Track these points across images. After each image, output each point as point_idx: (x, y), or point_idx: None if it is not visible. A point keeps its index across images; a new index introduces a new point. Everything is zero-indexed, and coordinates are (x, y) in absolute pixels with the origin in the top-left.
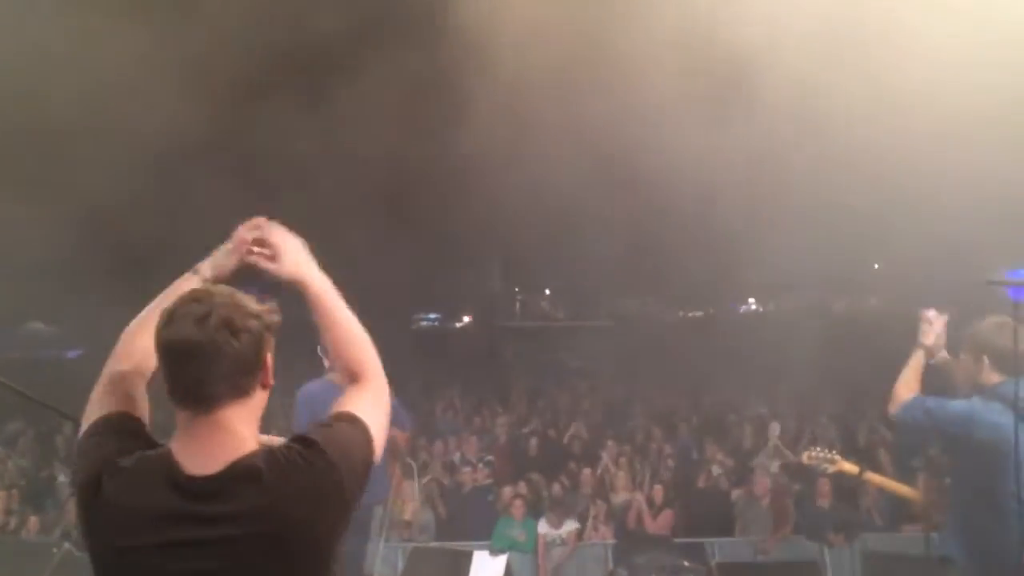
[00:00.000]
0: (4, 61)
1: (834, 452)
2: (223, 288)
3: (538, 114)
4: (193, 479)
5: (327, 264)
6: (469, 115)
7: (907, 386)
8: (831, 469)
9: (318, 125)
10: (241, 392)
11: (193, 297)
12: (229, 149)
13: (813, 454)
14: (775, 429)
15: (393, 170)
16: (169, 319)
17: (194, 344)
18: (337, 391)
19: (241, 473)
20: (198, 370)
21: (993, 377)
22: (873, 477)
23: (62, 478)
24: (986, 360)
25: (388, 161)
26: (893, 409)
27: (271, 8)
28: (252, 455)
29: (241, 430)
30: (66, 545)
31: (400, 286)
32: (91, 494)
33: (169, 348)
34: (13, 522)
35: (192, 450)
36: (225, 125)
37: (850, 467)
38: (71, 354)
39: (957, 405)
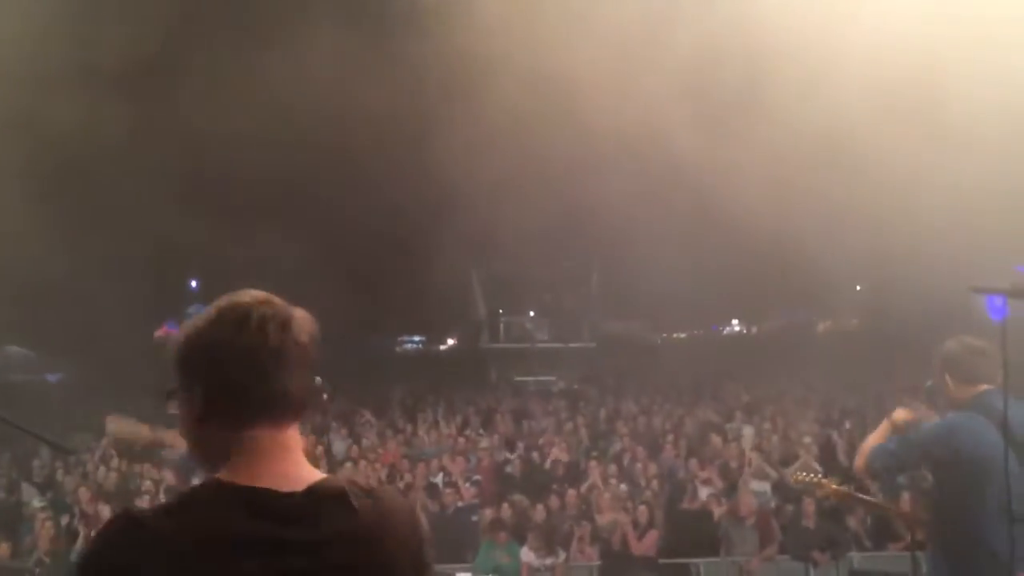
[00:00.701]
0: None
1: (819, 476)
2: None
3: (523, 141)
4: (274, 495)
5: (318, 291)
6: (455, 140)
7: (873, 440)
8: (819, 493)
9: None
10: (304, 408)
11: (258, 300)
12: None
13: (800, 476)
14: (749, 443)
15: (377, 196)
16: (243, 322)
17: (285, 349)
18: None
19: (329, 495)
20: (286, 378)
21: (964, 391)
22: (861, 498)
23: (36, 503)
24: (948, 378)
25: (371, 188)
26: (860, 463)
27: None
28: (332, 478)
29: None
30: (37, 572)
31: (386, 309)
32: (127, 526)
33: (254, 353)
34: None
35: (258, 470)
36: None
37: (837, 488)
38: (51, 378)
39: (931, 425)
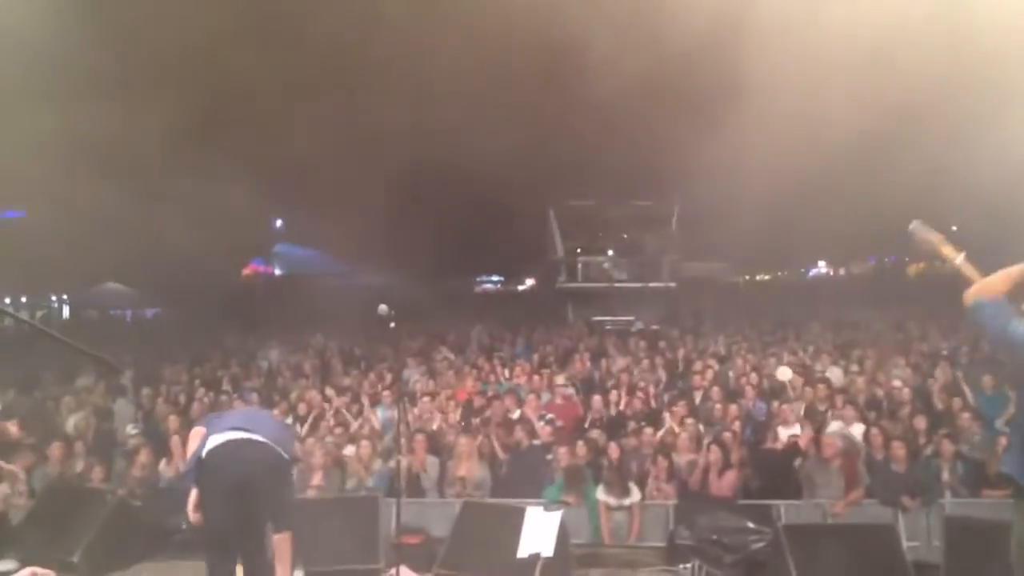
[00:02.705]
0: None
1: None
2: None
3: (602, 79)
4: None
5: (400, 231)
6: (536, 80)
7: (996, 282)
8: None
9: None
10: None
11: None
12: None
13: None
14: (835, 385)
15: (457, 139)
16: None
17: None
18: None
19: None
20: None
21: None
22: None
23: (130, 430)
24: None
25: (453, 132)
26: (969, 300)
27: None
28: None
29: None
30: (120, 492)
31: (466, 249)
32: None
33: None
34: (79, 467)
35: None
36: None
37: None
38: (148, 312)
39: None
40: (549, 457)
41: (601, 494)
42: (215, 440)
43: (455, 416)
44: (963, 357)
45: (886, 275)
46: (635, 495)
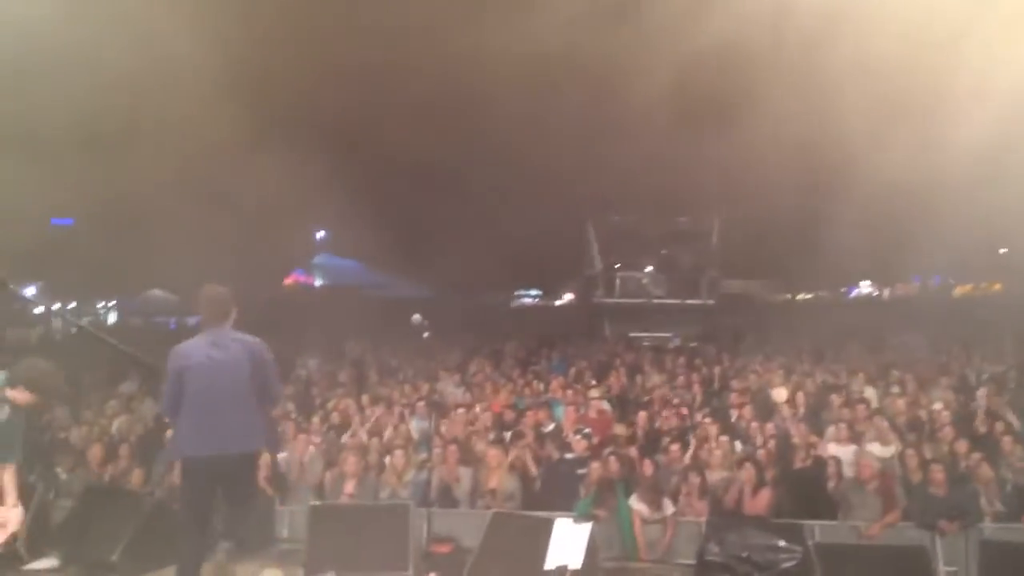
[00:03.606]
0: None
1: None
2: None
3: (640, 93)
4: None
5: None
6: (577, 95)
7: None
8: None
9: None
10: None
11: None
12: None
13: None
14: (872, 406)
15: (498, 153)
16: None
17: None
18: None
19: None
20: None
21: None
22: None
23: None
24: None
25: (491, 145)
26: None
27: None
28: None
29: None
30: (157, 494)
31: (504, 264)
32: None
33: None
34: (120, 468)
35: None
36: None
37: None
38: (191, 320)
39: None
40: (582, 471)
41: (635, 502)
42: (189, 449)
43: (486, 428)
44: (1011, 382)
45: (930, 296)
46: (668, 508)
